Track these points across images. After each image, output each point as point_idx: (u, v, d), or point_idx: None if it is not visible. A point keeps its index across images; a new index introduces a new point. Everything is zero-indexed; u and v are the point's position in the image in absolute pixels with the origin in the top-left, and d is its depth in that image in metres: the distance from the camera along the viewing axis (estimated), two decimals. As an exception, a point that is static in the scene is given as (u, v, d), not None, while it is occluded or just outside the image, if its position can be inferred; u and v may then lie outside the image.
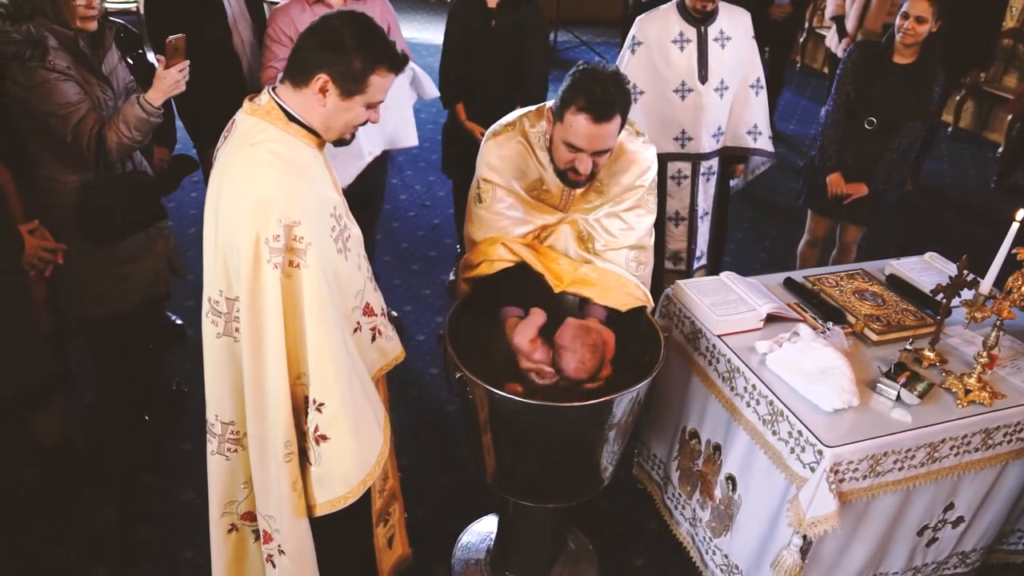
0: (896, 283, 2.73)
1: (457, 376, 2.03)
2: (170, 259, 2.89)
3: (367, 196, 3.38)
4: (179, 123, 3.47)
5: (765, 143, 3.65)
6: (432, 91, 3.45)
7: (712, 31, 3.38)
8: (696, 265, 3.84)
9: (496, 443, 2.16)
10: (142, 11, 4.90)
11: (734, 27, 3.42)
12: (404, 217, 5.06)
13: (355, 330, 1.87)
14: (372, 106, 1.75)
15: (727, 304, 2.47)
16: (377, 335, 1.96)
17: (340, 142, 1.80)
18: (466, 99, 3.77)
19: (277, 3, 3.20)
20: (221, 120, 3.03)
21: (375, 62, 1.69)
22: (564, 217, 2.33)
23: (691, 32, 3.37)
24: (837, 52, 5.90)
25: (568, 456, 2.16)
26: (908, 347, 2.33)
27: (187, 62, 2.46)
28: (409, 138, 3.33)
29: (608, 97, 2.01)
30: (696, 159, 3.53)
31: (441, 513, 2.89)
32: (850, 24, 5.69)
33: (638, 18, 3.48)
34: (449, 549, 2.73)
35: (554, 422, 2.04)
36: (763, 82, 3.58)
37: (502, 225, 2.28)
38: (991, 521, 2.53)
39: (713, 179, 3.65)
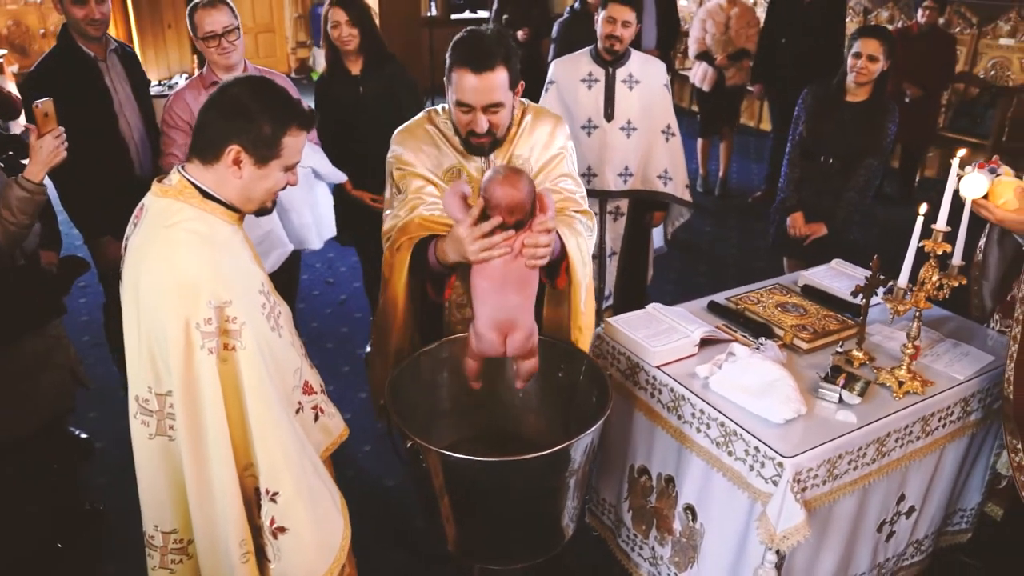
0: (811, 292, 2.83)
1: (408, 445, 1.93)
2: (72, 369, 2.67)
3: (284, 284, 3.27)
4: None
5: (677, 189, 3.71)
6: (337, 175, 3.41)
7: (621, 73, 3.53)
8: (605, 304, 3.88)
9: (455, 508, 2.06)
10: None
11: (645, 73, 3.58)
12: (309, 296, 4.92)
13: (297, 411, 1.76)
14: (289, 168, 1.68)
15: (660, 334, 2.48)
16: (320, 413, 1.86)
17: (261, 211, 1.72)
18: (351, 170, 3.72)
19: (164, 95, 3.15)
20: (110, 207, 2.88)
21: (285, 123, 1.63)
22: None
23: (599, 73, 3.53)
24: (703, 87, 6.24)
25: (532, 510, 2.09)
26: (839, 350, 2.40)
27: (62, 128, 2.31)
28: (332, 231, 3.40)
29: (487, 49, 2.05)
30: (603, 196, 3.60)
31: (399, 594, 2.74)
32: (718, 58, 6.05)
33: (553, 61, 3.68)
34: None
35: (513, 477, 1.98)
36: (675, 129, 3.69)
37: (421, 210, 2.19)
38: (937, 505, 2.61)
39: (621, 220, 3.72)
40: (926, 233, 2.18)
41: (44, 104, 2.28)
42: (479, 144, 2.20)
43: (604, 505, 2.83)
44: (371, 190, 3.70)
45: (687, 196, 3.76)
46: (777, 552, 2.11)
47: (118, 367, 3.62)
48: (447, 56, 2.11)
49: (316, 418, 1.84)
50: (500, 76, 2.07)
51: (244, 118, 1.59)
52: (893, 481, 2.35)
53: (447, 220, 2.10)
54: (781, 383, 2.17)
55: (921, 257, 2.23)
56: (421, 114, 2.35)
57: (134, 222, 1.67)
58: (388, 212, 2.30)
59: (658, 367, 2.41)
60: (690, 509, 2.39)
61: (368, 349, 4.20)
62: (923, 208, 2.15)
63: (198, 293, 1.50)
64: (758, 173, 7.21)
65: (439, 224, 2.14)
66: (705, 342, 2.49)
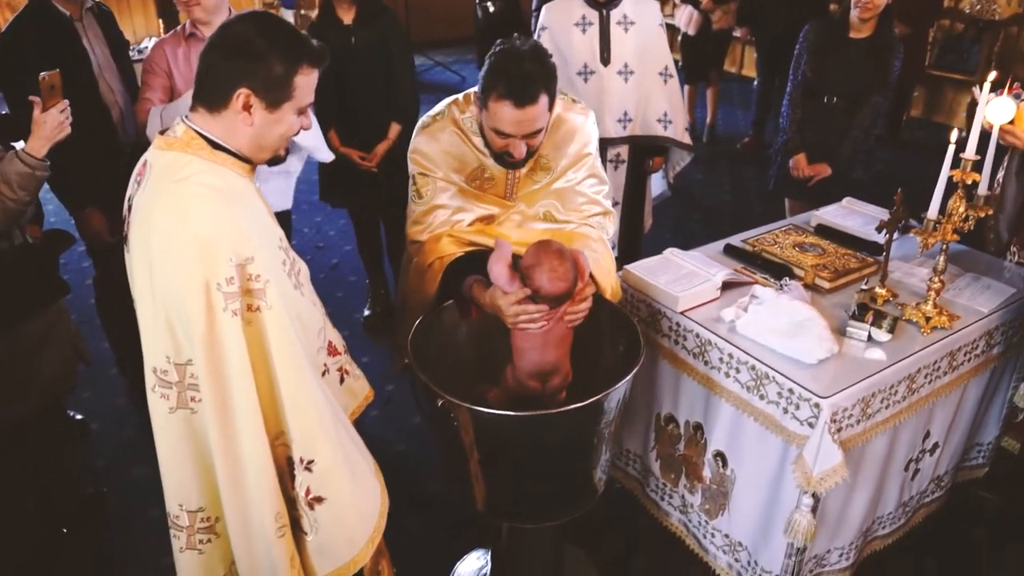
0: (826, 231, 2.77)
1: (439, 404, 1.85)
2: (74, 344, 2.54)
3: None
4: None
5: (677, 132, 3.61)
6: (324, 154, 3.23)
7: (615, 15, 3.40)
8: None
9: (485, 466, 2.00)
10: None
11: (639, 13, 3.45)
12: (299, 262, 4.79)
13: (323, 373, 1.67)
14: (302, 111, 1.56)
15: (682, 279, 2.41)
16: (345, 375, 1.77)
17: (275, 160, 1.60)
18: (340, 124, 3.57)
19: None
20: (96, 173, 2.72)
21: (296, 61, 1.50)
22: (513, 207, 2.22)
23: (593, 15, 3.39)
24: (689, 31, 6.13)
25: (565, 465, 2.02)
26: (864, 287, 2.34)
27: (67, 102, 2.18)
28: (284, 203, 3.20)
29: (528, 77, 1.94)
30: (602, 144, 3.50)
31: (419, 560, 2.68)
32: (704, 1, 5.93)
33: (544, 6, 3.50)
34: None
35: (547, 431, 1.91)
36: (672, 71, 3.57)
37: (445, 218, 2.16)
38: (958, 441, 2.60)
39: (622, 168, 3.62)
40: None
41: (51, 76, 2.14)
42: (513, 163, 2.16)
43: (629, 456, 2.78)
44: (360, 146, 3.58)
45: (687, 139, 3.67)
46: (813, 495, 2.07)
47: (110, 344, 3.50)
48: (481, 78, 1.99)
49: (342, 380, 1.76)
50: (542, 104, 1.98)
51: (251, 58, 1.46)
52: (920, 418, 2.32)
53: (476, 238, 2.13)
54: (811, 323, 2.11)
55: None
56: (443, 108, 2.24)
57: (136, 180, 1.54)
58: (411, 214, 2.25)
59: (682, 312, 2.34)
60: (720, 456, 2.35)
61: (367, 312, 4.11)
62: (954, 136, 2.08)
63: (217, 251, 1.38)
64: (744, 119, 7.13)
65: (469, 239, 2.15)
66: (727, 285, 2.43)
